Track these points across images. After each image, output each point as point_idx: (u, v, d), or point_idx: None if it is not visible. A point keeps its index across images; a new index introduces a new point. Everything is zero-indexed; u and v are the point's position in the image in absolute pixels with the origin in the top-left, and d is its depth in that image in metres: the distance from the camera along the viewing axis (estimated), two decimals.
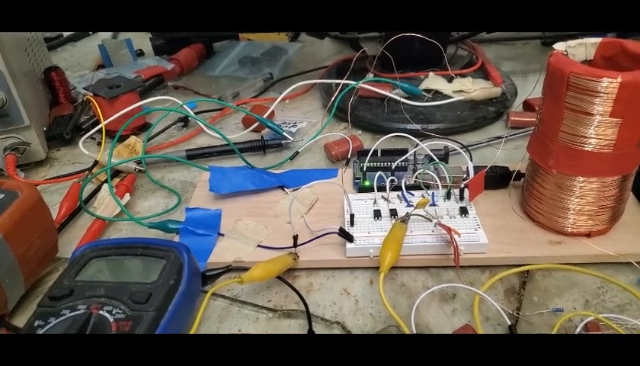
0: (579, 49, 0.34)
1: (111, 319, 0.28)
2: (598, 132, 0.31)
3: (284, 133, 0.53)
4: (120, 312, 0.28)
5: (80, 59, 0.86)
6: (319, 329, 0.32)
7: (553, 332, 0.30)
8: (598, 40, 0.34)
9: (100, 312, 0.28)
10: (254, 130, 0.56)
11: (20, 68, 0.53)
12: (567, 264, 0.35)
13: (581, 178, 0.34)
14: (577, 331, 0.30)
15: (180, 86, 0.71)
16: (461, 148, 0.44)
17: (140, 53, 0.82)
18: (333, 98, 0.53)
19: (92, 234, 0.41)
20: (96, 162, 0.49)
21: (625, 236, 0.36)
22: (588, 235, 0.36)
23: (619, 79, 0.29)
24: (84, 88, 0.66)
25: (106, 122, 0.51)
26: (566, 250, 0.36)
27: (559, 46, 0.33)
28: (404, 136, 0.45)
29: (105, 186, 0.45)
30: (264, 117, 0.55)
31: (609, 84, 0.29)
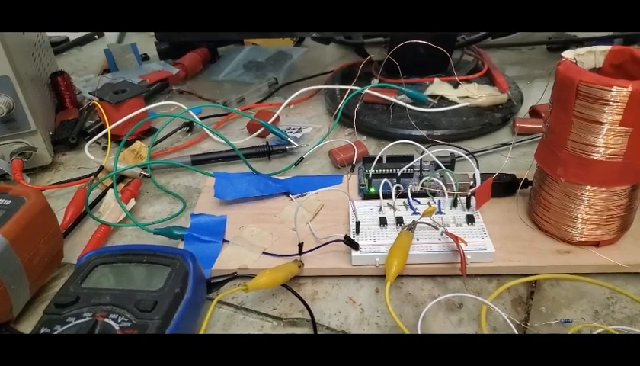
0: (588, 56, 0.34)
1: (117, 327, 0.27)
2: (607, 141, 0.31)
3: (289, 139, 0.53)
4: (126, 320, 0.28)
5: (86, 63, 0.86)
6: None
7: None
8: (607, 47, 0.34)
9: (106, 320, 0.28)
10: (258, 136, 0.56)
11: (26, 72, 0.53)
12: (575, 274, 0.35)
13: (590, 187, 0.33)
14: None
15: (184, 91, 0.71)
16: (467, 155, 0.44)
17: (145, 58, 0.82)
18: (340, 105, 0.53)
19: (97, 240, 0.41)
20: (101, 167, 0.49)
21: (634, 246, 0.36)
22: (597, 244, 0.36)
23: (630, 88, 0.29)
24: (89, 93, 0.66)
25: (111, 127, 0.51)
26: (574, 260, 0.35)
27: (568, 54, 0.33)
28: (409, 143, 0.45)
29: (110, 191, 0.45)
30: (269, 122, 0.54)
31: (619, 92, 0.29)
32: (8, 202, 0.34)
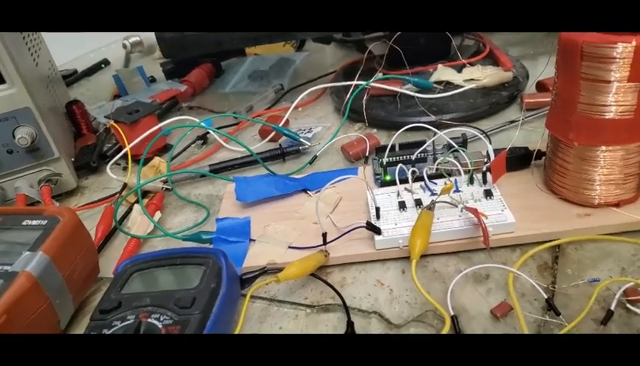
0: None
1: (160, 325, 0.29)
2: (617, 98, 0.32)
3: (301, 139, 0.54)
4: (168, 318, 0.29)
5: (95, 91, 0.89)
6: (357, 320, 0.33)
7: (591, 302, 0.30)
8: None
9: (149, 320, 0.29)
10: (271, 140, 0.57)
11: (44, 104, 0.55)
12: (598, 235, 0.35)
13: (604, 148, 0.34)
14: (616, 297, 0.30)
15: (194, 106, 0.72)
16: (481, 133, 0.44)
17: (152, 80, 0.84)
18: (347, 98, 0.54)
19: (129, 253, 0.42)
20: (125, 185, 0.51)
21: None
22: (617, 205, 0.36)
23: (634, 43, 0.29)
24: (105, 117, 0.68)
25: (130, 145, 0.53)
26: (596, 221, 0.36)
27: None
28: (421, 127, 0.45)
29: (136, 207, 0.47)
30: (279, 125, 0.56)
31: (624, 48, 0.30)
32: (44, 222, 0.36)
